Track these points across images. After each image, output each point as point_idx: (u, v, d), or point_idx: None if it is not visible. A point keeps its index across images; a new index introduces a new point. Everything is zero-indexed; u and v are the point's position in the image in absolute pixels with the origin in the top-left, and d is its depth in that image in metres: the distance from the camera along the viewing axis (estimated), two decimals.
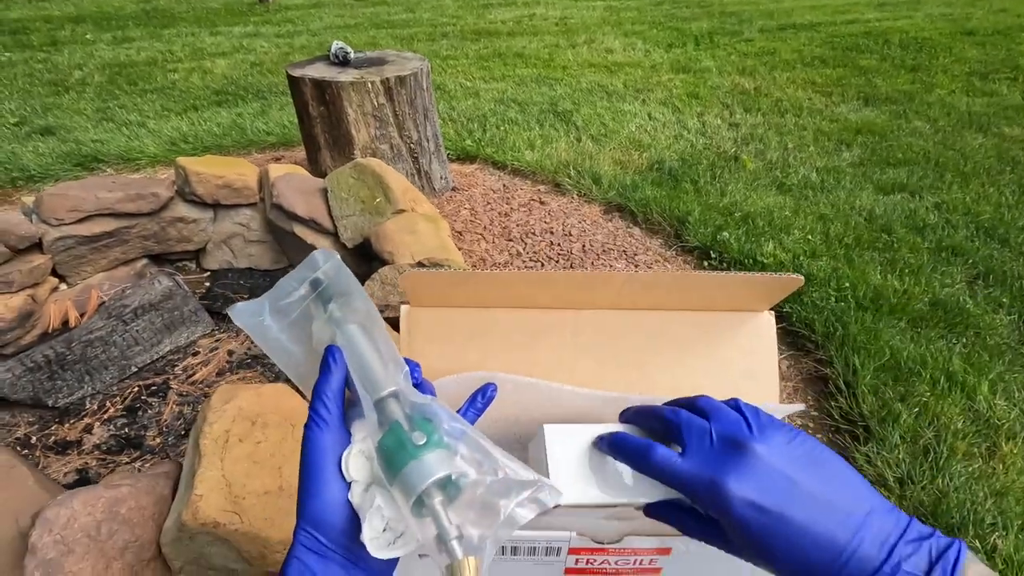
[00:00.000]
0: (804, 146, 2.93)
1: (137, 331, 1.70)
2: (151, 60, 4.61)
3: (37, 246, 1.67)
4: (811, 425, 1.47)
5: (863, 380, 1.48)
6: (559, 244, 2.23)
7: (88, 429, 1.54)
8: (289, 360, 0.44)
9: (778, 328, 1.61)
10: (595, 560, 0.51)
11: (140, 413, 1.59)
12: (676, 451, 0.40)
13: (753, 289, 0.54)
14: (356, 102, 2.14)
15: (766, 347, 0.61)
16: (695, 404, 0.43)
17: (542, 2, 6.99)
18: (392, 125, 2.25)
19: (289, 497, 0.89)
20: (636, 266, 2.10)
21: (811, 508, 0.35)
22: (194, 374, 1.73)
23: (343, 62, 2.29)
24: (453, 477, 0.36)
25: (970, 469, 1.26)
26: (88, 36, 5.39)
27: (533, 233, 2.30)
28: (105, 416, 1.58)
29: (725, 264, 2.04)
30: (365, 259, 1.79)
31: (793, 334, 1.73)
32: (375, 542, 0.36)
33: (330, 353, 0.41)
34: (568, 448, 0.47)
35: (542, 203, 2.51)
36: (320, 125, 2.23)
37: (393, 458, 0.36)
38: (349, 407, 0.43)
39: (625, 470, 0.46)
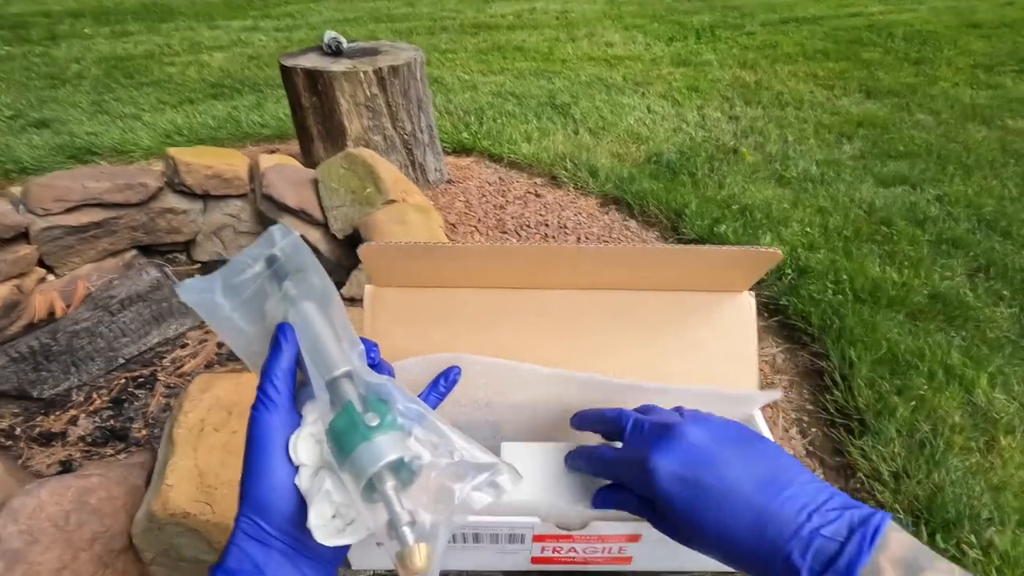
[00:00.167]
0: (804, 139, 2.89)
1: (124, 322, 1.68)
2: (148, 54, 4.60)
3: (23, 236, 1.65)
4: (806, 419, 1.44)
5: (859, 373, 1.45)
6: (554, 237, 2.20)
7: (73, 421, 1.52)
8: (240, 340, 0.41)
9: (774, 321, 1.58)
10: (562, 548, 0.49)
11: (127, 405, 1.57)
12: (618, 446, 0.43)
13: (727, 264, 0.52)
14: (348, 92, 2.12)
15: (745, 329, 0.58)
16: (640, 408, 0.45)
17: None
18: (385, 116, 2.22)
19: None
20: None
21: (732, 477, 0.35)
22: (182, 366, 1.71)
23: (336, 52, 2.26)
24: (406, 460, 0.34)
25: (967, 463, 1.23)
26: (87, 30, 5.38)
27: (528, 226, 2.27)
28: (91, 408, 1.57)
29: None
30: (354, 250, 1.77)
31: (789, 327, 1.71)
32: (322, 529, 0.34)
33: (281, 331, 0.39)
34: (526, 465, 0.47)
35: (538, 196, 2.49)
36: (312, 116, 2.21)
37: (344, 440, 0.34)
38: (300, 388, 0.41)
39: (583, 485, 0.47)
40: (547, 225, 2.28)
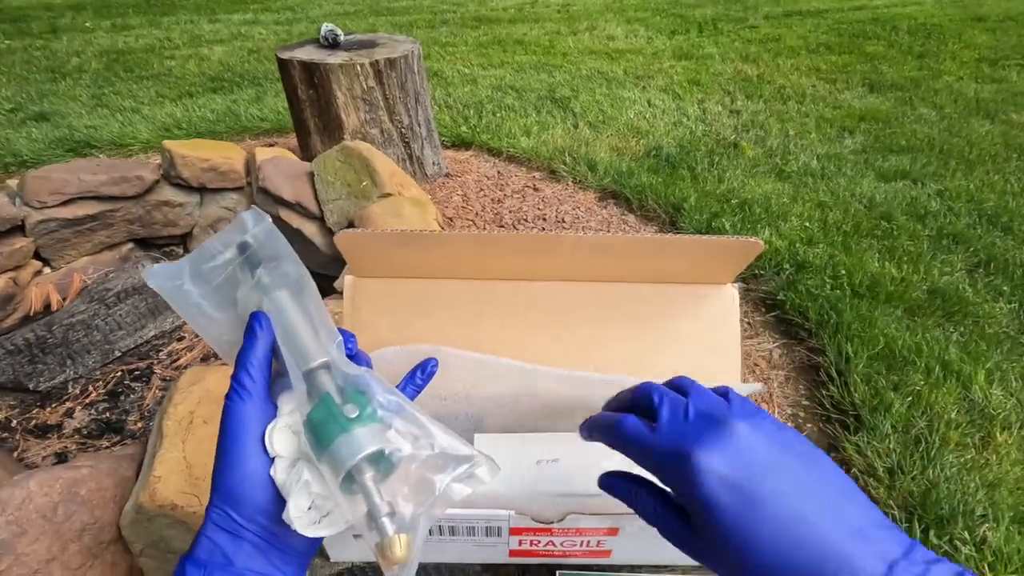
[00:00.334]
0: (805, 133, 2.87)
1: (120, 315, 1.68)
2: (149, 47, 4.59)
3: (19, 229, 1.65)
4: (801, 415, 1.44)
5: (856, 369, 1.44)
6: (552, 231, 2.19)
7: (69, 413, 1.53)
8: (211, 328, 0.41)
9: (771, 316, 1.57)
10: (539, 541, 0.49)
11: (122, 398, 1.58)
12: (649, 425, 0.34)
13: (711, 254, 0.51)
14: (345, 85, 2.11)
15: (729, 321, 0.58)
16: (672, 382, 0.38)
17: None
18: (382, 109, 2.21)
19: None
20: None
21: (796, 496, 0.28)
22: (178, 359, 1.71)
23: (333, 44, 2.25)
24: (386, 452, 0.34)
25: (962, 460, 1.22)
26: (87, 24, 5.37)
27: (526, 219, 2.26)
28: (87, 400, 1.57)
29: None
30: None
31: (786, 322, 1.70)
32: (301, 520, 0.34)
33: (256, 320, 0.38)
34: (501, 457, 0.46)
35: (536, 190, 2.48)
36: (309, 109, 2.20)
37: (322, 432, 0.34)
38: (275, 378, 0.41)
39: (557, 476, 0.45)
40: (545, 219, 2.27)
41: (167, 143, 1.91)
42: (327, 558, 0.51)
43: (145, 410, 1.53)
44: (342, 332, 0.42)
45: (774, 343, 1.65)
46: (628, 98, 3.36)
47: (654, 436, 0.33)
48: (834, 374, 1.47)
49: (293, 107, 2.28)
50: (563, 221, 2.26)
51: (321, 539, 0.37)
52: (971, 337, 1.56)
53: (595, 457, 0.53)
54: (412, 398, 0.48)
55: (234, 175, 1.94)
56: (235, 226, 0.42)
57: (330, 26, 2.26)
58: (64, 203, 1.71)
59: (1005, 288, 1.73)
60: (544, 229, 2.19)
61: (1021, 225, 2.03)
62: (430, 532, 0.48)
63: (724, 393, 0.36)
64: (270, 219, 0.43)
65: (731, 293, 0.58)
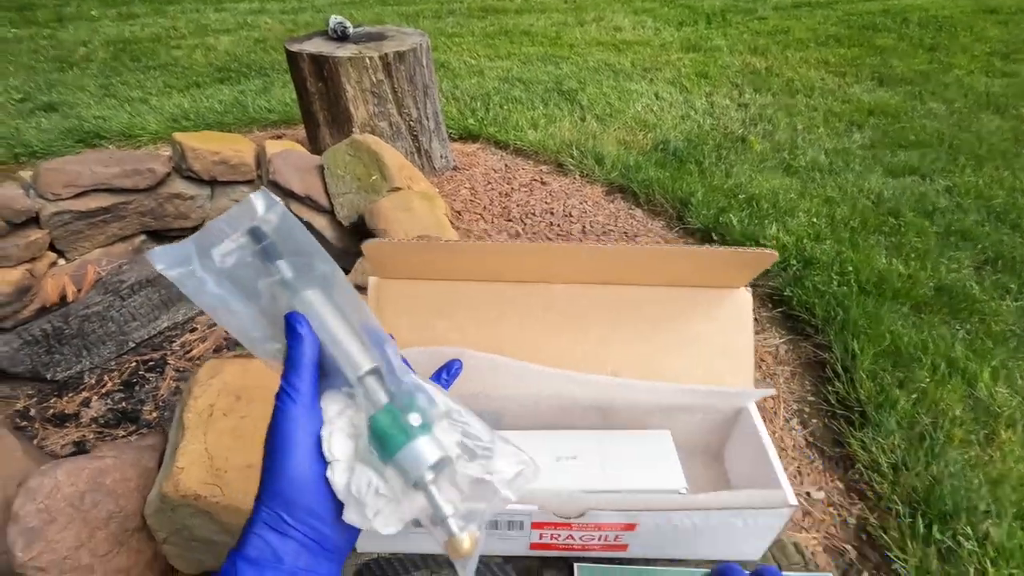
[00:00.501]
0: (814, 127, 2.86)
1: (134, 307, 1.71)
2: (155, 37, 4.59)
3: (34, 221, 1.67)
4: (807, 410, 1.46)
5: (862, 365, 1.45)
6: (559, 225, 2.20)
7: (86, 403, 1.56)
8: (232, 320, 0.39)
9: (778, 312, 1.58)
10: (559, 535, 0.51)
11: (137, 388, 1.61)
12: None
13: (726, 263, 0.53)
14: (354, 78, 2.11)
15: (742, 325, 0.59)
16: (758, 570, 0.41)
17: None
18: (391, 102, 2.22)
19: None
20: None
21: None
22: (191, 350, 1.74)
23: (342, 37, 2.25)
24: (449, 458, 0.36)
25: (966, 456, 1.24)
26: (93, 12, 5.36)
27: (533, 214, 2.27)
28: (103, 390, 1.60)
29: (726, 246, 2.00)
30: (361, 237, 1.77)
31: (793, 318, 1.71)
32: (364, 520, 0.36)
33: (296, 321, 0.38)
34: None
35: (543, 183, 2.48)
36: (319, 102, 2.21)
37: (388, 440, 0.36)
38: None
39: (576, 473, 0.47)
40: (552, 213, 2.28)
41: (177, 135, 1.92)
42: (354, 549, 0.53)
43: (160, 400, 1.56)
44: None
45: (780, 339, 1.67)
46: (635, 91, 3.35)
47: None
48: (840, 370, 1.48)
49: (302, 99, 2.29)
50: (570, 215, 2.27)
51: (356, 537, 0.39)
52: (977, 335, 1.57)
53: (611, 456, 0.55)
54: None
55: (244, 168, 1.95)
56: (243, 208, 0.40)
57: (339, 18, 2.26)
58: (78, 195, 1.73)
59: (1012, 286, 1.74)
60: (552, 224, 2.20)
61: None
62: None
63: None
64: (281, 204, 0.41)
65: (744, 297, 0.59)
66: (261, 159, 1.97)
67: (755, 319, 1.75)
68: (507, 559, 0.54)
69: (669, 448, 0.55)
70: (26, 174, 1.79)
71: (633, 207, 2.34)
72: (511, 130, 2.83)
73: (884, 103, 3.09)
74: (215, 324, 1.81)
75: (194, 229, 2.02)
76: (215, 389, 0.97)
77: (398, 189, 1.78)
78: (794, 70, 3.65)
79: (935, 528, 1.11)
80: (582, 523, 0.48)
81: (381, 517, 0.35)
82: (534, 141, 2.73)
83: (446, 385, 0.50)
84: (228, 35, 4.60)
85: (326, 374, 0.39)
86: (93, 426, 1.49)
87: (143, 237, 1.92)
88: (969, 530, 1.09)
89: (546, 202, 2.35)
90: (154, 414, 1.52)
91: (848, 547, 1.14)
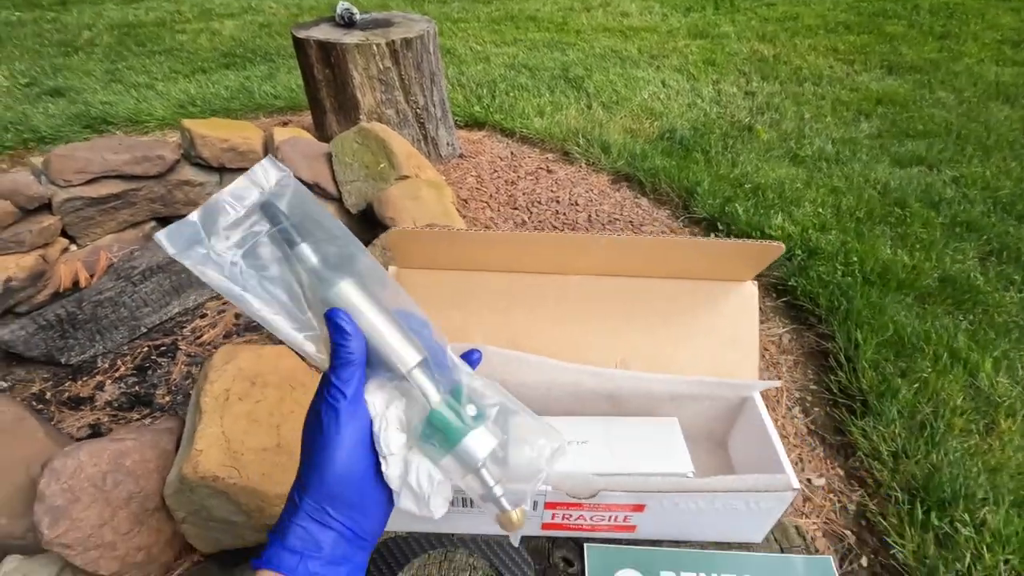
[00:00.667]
0: (821, 116, 2.85)
1: (146, 292, 1.73)
2: (159, 21, 4.57)
3: (46, 207, 1.69)
4: (809, 399, 1.48)
5: (864, 355, 1.47)
6: (565, 213, 2.21)
7: (100, 386, 1.59)
8: (250, 306, 0.37)
9: (782, 301, 1.59)
10: (571, 515, 0.53)
11: (150, 372, 1.63)
12: None
13: (734, 255, 0.54)
14: (361, 65, 2.11)
15: (748, 317, 0.61)
16: None
17: None
18: (398, 89, 2.22)
19: (288, 455, 0.91)
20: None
21: None
22: (202, 335, 1.76)
23: (349, 23, 2.24)
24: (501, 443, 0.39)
25: (966, 445, 1.26)
26: None
27: (539, 202, 2.28)
28: (116, 374, 1.63)
29: (732, 236, 2.01)
30: (368, 225, 1.79)
31: (796, 308, 1.72)
32: (434, 504, 0.38)
33: (341, 318, 0.37)
34: None
35: (549, 171, 2.49)
36: (326, 89, 2.21)
37: (450, 432, 0.37)
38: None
39: (588, 456, 0.50)
40: (558, 202, 2.28)
41: (186, 122, 1.93)
42: None
43: (172, 384, 1.59)
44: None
45: (784, 328, 1.68)
46: (642, 78, 3.33)
47: None
48: (843, 360, 1.50)
49: (309, 86, 2.29)
50: (576, 204, 2.28)
51: (386, 524, 0.41)
52: (980, 325, 1.58)
53: (620, 440, 0.57)
54: None
55: (253, 155, 1.96)
56: (250, 180, 0.38)
57: (346, 4, 2.26)
58: (89, 182, 1.74)
59: (1016, 277, 1.74)
60: (557, 212, 2.21)
61: None
62: (469, 504, 0.52)
63: None
64: (290, 174, 0.39)
65: (750, 290, 0.61)
66: (269, 146, 1.98)
67: (759, 309, 1.76)
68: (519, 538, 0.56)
69: (676, 434, 0.57)
70: (36, 160, 1.81)
71: (639, 196, 2.34)
72: (517, 118, 2.82)
73: (893, 92, 3.07)
74: (224, 310, 1.84)
75: None
76: (230, 374, 0.99)
77: (406, 177, 1.79)
78: (802, 58, 3.62)
79: (933, 515, 1.13)
80: (593, 504, 0.50)
81: (435, 502, 0.38)
82: (540, 129, 2.73)
83: None
84: (232, 19, 4.58)
85: (369, 365, 0.39)
86: (108, 409, 1.52)
87: (153, 223, 1.94)
88: (967, 517, 1.11)
89: (552, 190, 2.36)
90: (167, 398, 1.55)
91: (847, 532, 1.17)
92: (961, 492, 1.15)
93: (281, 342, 0.40)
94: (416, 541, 0.55)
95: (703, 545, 0.56)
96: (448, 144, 2.48)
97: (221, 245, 0.36)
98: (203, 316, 1.83)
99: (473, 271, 0.60)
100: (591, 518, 0.53)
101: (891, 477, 1.22)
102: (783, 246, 0.53)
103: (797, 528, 0.58)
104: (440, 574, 0.52)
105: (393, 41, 2.10)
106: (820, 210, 2.08)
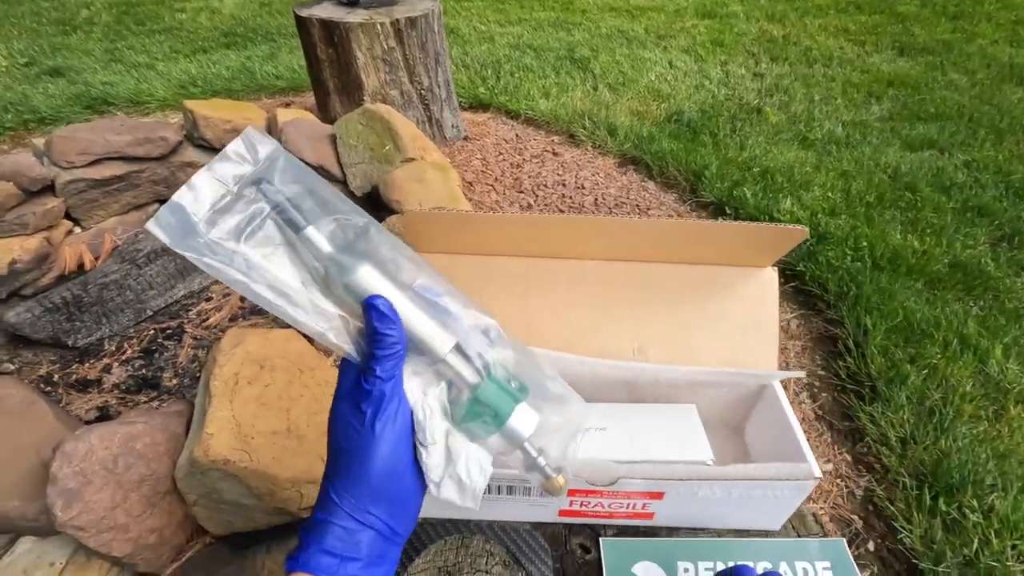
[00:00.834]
0: (831, 98, 2.81)
1: (151, 275, 1.72)
2: None
3: (50, 189, 1.67)
4: (817, 384, 1.47)
5: (873, 341, 1.46)
6: (571, 197, 2.19)
7: (107, 369, 1.59)
8: (260, 296, 0.34)
9: (790, 287, 1.58)
10: (590, 503, 0.52)
11: (156, 355, 1.63)
12: None
13: (756, 239, 0.53)
14: (365, 45, 2.08)
15: (767, 303, 0.60)
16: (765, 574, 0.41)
17: None
18: (402, 70, 2.18)
19: (297, 439, 0.91)
20: None
21: None
22: (208, 319, 1.76)
23: (352, 2, 2.20)
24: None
25: (975, 431, 1.26)
26: None
27: (545, 185, 2.26)
28: (123, 357, 1.63)
29: (740, 220, 1.99)
30: (374, 207, 1.78)
31: (805, 293, 1.71)
32: (480, 491, 0.37)
33: (380, 305, 0.34)
34: None
35: (555, 154, 2.46)
36: (329, 69, 2.18)
37: (500, 409, 0.37)
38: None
39: (607, 443, 0.50)
40: (564, 185, 2.26)
41: (188, 103, 1.90)
42: None
43: (179, 368, 1.59)
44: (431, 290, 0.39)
45: (792, 313, 1.67)
46: (649, 59, 3.28)
47: None
48: (851, 345, 1.49)
49: (312, 67, 2.25)
50: (582, 187, 2.25)
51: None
52: (990, 311, 1.57)
53: (639, 427, 0.56)
54: None
55: None
56: (235, 152, 0.35)
57: None
58: (91, 163, 1.72)
59: None
60: (564, 196, 2.19)
61: None
62: (488, 491, 0.52)
63: None
64: (279, 145, 0.36)
65: (771, 276, 0.60)
66: (272, 128, 1.95)
67: None
68: (535, 526, 0.56)
69: (695, 421, 0.56)
70: (38, 141, 1.79)
71: (646, 179, 2.32)
72: (522, 99, 2.79)
73: (904, 74, 3.02)
74: (229, 293, 1.83)
75: None
76: (239, 358, 0.99)
77: (411, 160, 1.77)
78: (812, 38, 3.56)
79: (941, 500, 1.13)
80: (613, 491, 0.50)
81: (480, 489, 0.37)
82: (545, 111, 2.69)
83: None
84: None
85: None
86: (115, 392, 1.52)
87: (156, 206, 1.92)
88: (975, 503, 1.11)
89: (558, 174, 2.33)
90: (174, 381, 1.55)
91: (855, 517, 1.17)
92: (970, 478, 1.15)
93: (288, 325, 0.37)
94: (432, 527, 0.55)
95: (720, 533, 0.55)
96: (453, 126, 2.45)
97: (217, 232, 0.34)
98: (208, 299, 1.83)
99: (488, 255, 0.59)
100: (609, 505, 0.52)
101: (899, 463, 1.22)
102: (806, 230, 0.51)
103: (815, 516, 0.58)
104: (457, 560, 0.52)
105: (397, 20, 2.06)
106: (829, 194, 2.06)
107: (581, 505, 0.52)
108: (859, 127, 2.53)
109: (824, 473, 1.26)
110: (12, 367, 1.56)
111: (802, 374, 0.61)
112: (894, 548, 1.11)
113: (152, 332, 1.70)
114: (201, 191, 0.34)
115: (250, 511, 0.89)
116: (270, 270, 0.35)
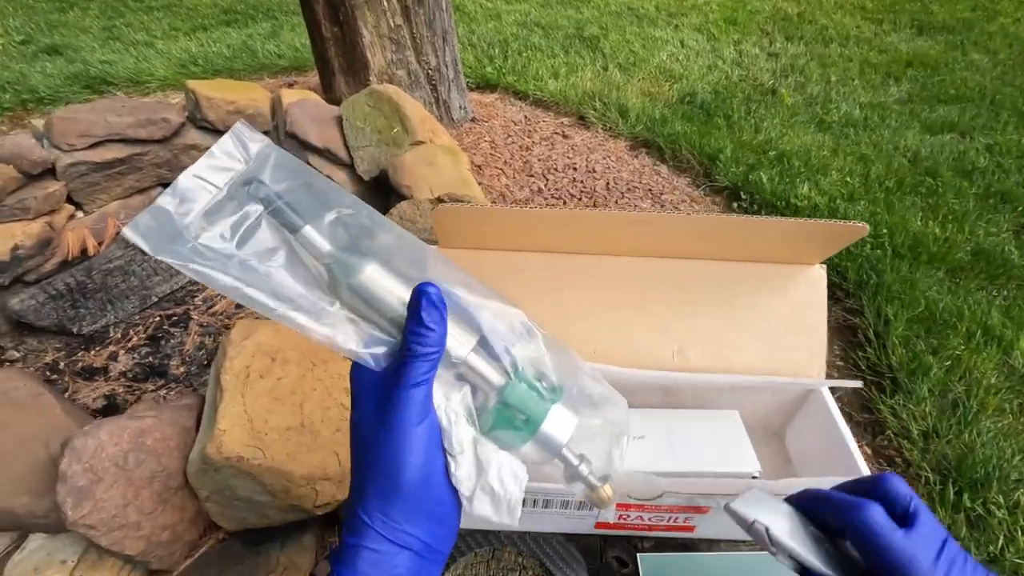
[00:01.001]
0: (848, 79, 2.73)
1: (155, 261, 1.69)
2: None
3: (51, 172, 1.63)
4: (835, 375, 1.44)
5: (895, 331, 1.43)
6: (582, 181, 2.14)
7: (113, 356, 1.56)
8: (256, 300, 0.31)
9: None
10: (628, 515, 0.50)
11: (163, 342, 1.61)
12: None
13: (810, 237, 0.49)
14: (371, 23, 2.01)
15: (815, 303, 0.57)
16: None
17: None
18: (409, 49, 2.12)
19: (312, 434, 0.89)
20: (662, 206, 2.02)
21: None
22: (214, 305, 1.73)
23: None
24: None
25: (999, 425, 1.23)
26: None
27: (555, 169, 2.21)
28: (129, 344, 1.60)
29: (756, 206, 1.95)
30: (382, 192, 1.73)
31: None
32: (517, 505, 0.33)
33: (430, 294, 0.30)
34: None
35: (565, 137, 2.40)
36: (334, 48, 2.11)
37: (531, 414, 0.33)
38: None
39: (647, 453, 0.46)
40: (575, 169, 2.21)
41: (191, 83, 1.85)
42: None
43: (186, 355, 1.56)
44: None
45: None
46: (660, 38, 3.19)
47: (907, 539, 0.31)
48: (871, 336, 1.46)
49: (316, 45, 2.19)
50: (593, 171, 2.20)
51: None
52: (1015, 301, 1.53)
53: (680, 436, 0.53)
54: None
55: (260, 119, 1.89)
56: (222, 151, 0.33)
57: None
58: (92, 146, 1.68)
59: None
60: (575, 180, 2.14)
61: None
62: (524, 503, 0.49)
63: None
64: (270, 140, 0.34)
65: (819, 274, 0.56)
66: (277, 109, 1.90)
67: None
68: (569, 537, 0.53)
69: (739, 428, 0.53)
70: (38, 123, 1.74)
71: (658, 163, 2.26)
72: (531, 80, 2.72)
73: (923, 53, 2.94)
74: None
75: None
76: (249, 351, 0.96)
77: (420, 143, 1.72)
78: (828, 16, 3.46)
79: (965, 496, 1.11)
80: (655, 504, 0.47)
81: (518, 505, 0.33)
82: (555, 92, 2.63)
83: None
84: None
85: None
86: (122, 380, 1.50)
87: (159, 189, 1.88)
88: (1000, 499, 1.09)
89: (568, 157, 2.28)
90: (181, 369, 1.53)
91: None
92: (995, 473, 1.13)
93: None
94: (461, 538, 0.53)
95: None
96: (460, 107, 2.39)
97: (208, 235, 0.30)
98: None
99: (520, 251, 0.55)
100: (649, 519, 0.50)
101: (921, 457, 1.20)
102: (866, 227, 0.48)
103: None
104: (488, 574, 0.49)
105: None
106: (848, 179, 2.01)
107: (619, 518, 0.50)
108: (877, 109, 2.47)
109: None
110: (17, 354, 1.54)
111: (859, 384, 0.58)
112: None
113: (158, 319, 1.68)
114: (187, 193, 0.31)
115: (264, 508, 0.87)
116: (269, 274, 0.32)
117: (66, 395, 1.44)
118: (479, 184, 2.05)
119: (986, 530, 1.06)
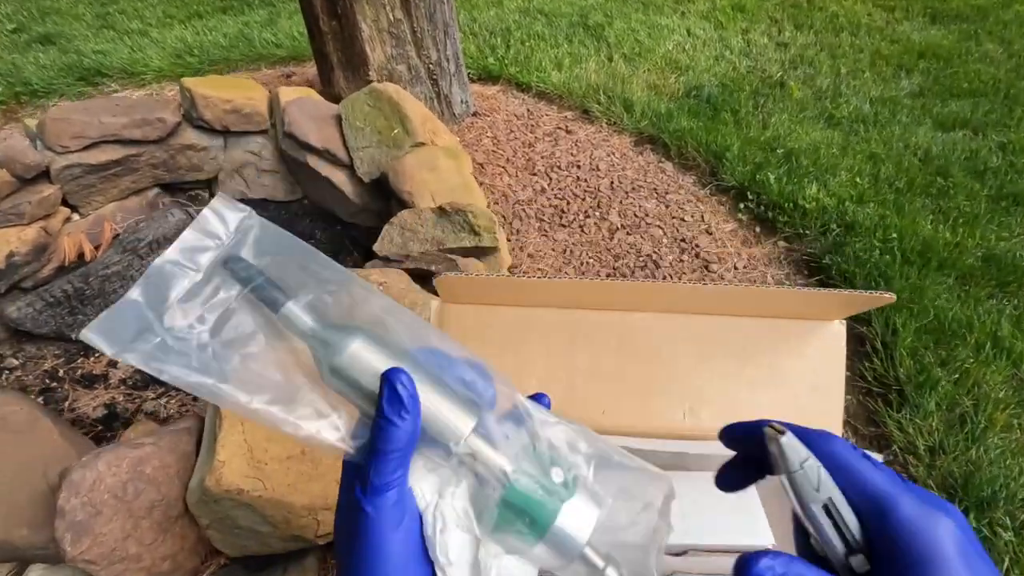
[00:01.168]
0: (859, 71, 2.67)
1: None
2: None
3: (45, 175, 1.60)
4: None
5: (903, 342, 1.41)
6: (586, 180, 2.10)
7: (113, 363, 1.55)
8: (239, 398, 0.28)
9: (815, 279, 1.51)
10: None
11: None
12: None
13: (833, 303, 0.47)
14: (371, 17, 1.96)
15: (833, 361, 0.54)
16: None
17: None
18: (410, 43, 2.07)
19: (313, 464, 0.88)
20: (667, 206, 1.99)
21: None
22: None
23: None
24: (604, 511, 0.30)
25: (1007, 441, 1.22)
26: None
27: (558, 167, 2.17)
28: None
29: (763, 207, 1.91)
30: (382, 196, 1.71)
31: (831, 287, 1.64)
32: None
33: (399, 381, 0.28)
34: None
35: (569, 132, 2.36)
36: (332, 42, 2.06)
37: (539, 512, 0.29)
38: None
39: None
40: (579, 167, 2.17)
41: (186, 81, 1.81)
42: None
43: None
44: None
45: None
46: (666, 26, 3.12)
47: (876, 470, 0.28)
48: (879, 346, 1.44)
49: (314, 39, 2.13)
50: (597, 169, 2.16)
51: None
52: None
53: (688, 503, 0.52)
54: None
55: (258, 118, 1.85)
56: (200, 230, 0.30)
57: None
58: (87, 147, 1.65)
59: None
60: (578, 178, 2.10)
61: None
62: None
63: None
64: (252, 212, 0.31)
65: (838, 331, 0.54)
66: (274, 107, 1.86)
67: (788, 286, 1.69)
68: None
69: (751, 495, 0.52)
70: (31, 122, 1.71)
71: (663, 160, 2.22)
72: (533, 71, 2.66)
73: (936, 44, 2.86)
74: None
75: (207, 182, 1.94)
76: None
77: (421, 144, 1.68)
78: (839, 3, 3.38)
79: (972, 516, 1.10)
80: None
81: None
82: (558, 84, 2.57)
83: None
84: None
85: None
86: (122, 388, 1.49)
87: (156, 190, 1.85)
88: (1007, 520, 1.08)
89: (572, 153, 2.24)
90: None
91: None
92: (1002, 493, 1.12)
93: None
94: None
95: None
96: (462, 102, 2.34)
97: (181, 323, 0.28)
98: None
99: (526, 307, 0.53)
100: None
101: (927, 473, 1.19)
102: (893, 296, 0.45)
103: None
104: None
105: None
106: (857, 179, 1.97)
107: None
108: (888, 104, 2.41)
109: None
110: (16, 362, 1.53)
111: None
112: None
113: None
114: (159, 280, 0.29)
115: (265, 537, 0.86)
116: (245, 362, 0.29)
117: (66, 403, 1.43)
118: (481, 185, 2.02)
119: (992, 553, 1.05)
